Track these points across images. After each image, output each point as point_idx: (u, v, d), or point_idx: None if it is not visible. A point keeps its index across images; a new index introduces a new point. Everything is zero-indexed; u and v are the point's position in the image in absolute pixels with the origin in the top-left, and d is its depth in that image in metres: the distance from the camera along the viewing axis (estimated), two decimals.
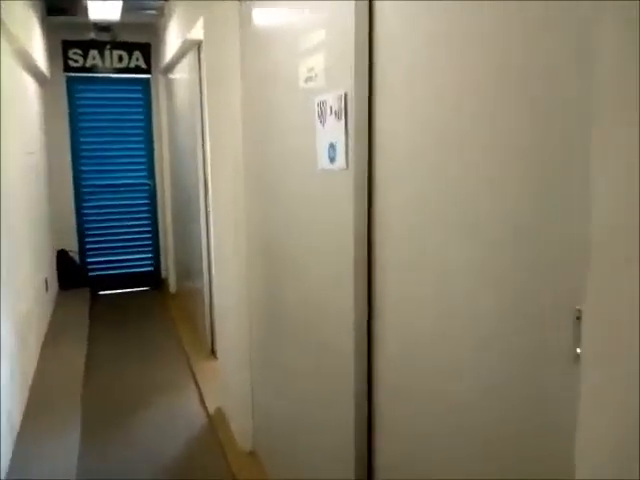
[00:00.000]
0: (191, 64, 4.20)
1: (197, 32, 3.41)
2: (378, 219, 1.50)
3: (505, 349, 1.07)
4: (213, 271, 3.80)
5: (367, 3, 1.46)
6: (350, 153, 1.52)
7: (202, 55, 3.84)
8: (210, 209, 3.62)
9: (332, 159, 1.63)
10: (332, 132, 1.62)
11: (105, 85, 5.87)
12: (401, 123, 1.37)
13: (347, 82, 1.51)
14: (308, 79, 1.78)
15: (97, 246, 6.10)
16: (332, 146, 1.62)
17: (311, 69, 1.75)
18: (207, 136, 3.44)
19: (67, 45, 5.65)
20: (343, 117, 1.53)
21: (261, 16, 2.29)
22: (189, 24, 3.67)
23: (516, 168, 1.01)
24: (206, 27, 3.09)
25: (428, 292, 1.30)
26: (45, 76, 5.21)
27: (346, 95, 1.52)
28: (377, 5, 1.43)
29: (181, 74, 4.80)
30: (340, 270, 1.64)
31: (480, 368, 1.14)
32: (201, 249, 4.25)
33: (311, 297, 1.93)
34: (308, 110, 1.79)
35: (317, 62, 1.70)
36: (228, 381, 3.07)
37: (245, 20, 2.50)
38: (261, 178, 2.41)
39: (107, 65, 5.79)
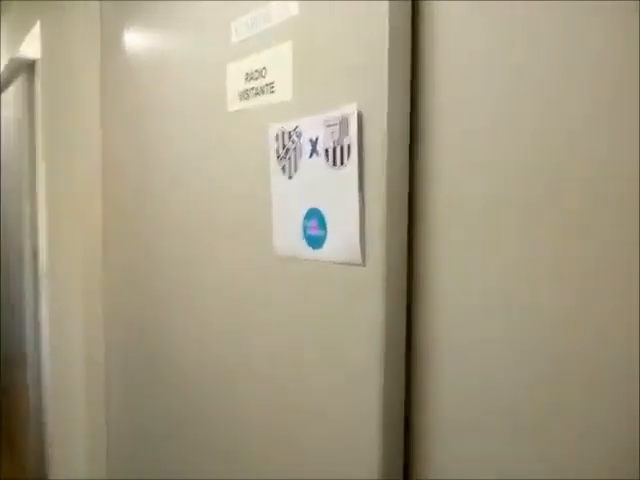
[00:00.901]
0: (19, 96, 3.16)
1: (30, 46, 2.44)
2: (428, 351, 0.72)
3: None
4: (44, 359, 2.72)
5: None
6: (370, 234, 0.73)
7: (37, 82, 2.85)
8: (42, 288, 2.59)
9: (315, 241, 0.83)
10: (316, 189, 0.82)
11: None
12: (477, 171, 0.63)
13: (362, 88, 0.73)
14: (248, 93, 0.98)
15: None
16: (315, 216, 0.83)
17: (257, 73, 0.95)
18: (40, 195, 2.45)
19: None
20: (354, 160, 0.75)
21: (144, 8, 1.46)
22: (18, 38, 2.69)
23: None
24: (44, 37, 2.17)
25: None
26: None
27: (360, 116, 0.74)
28: None
29: (4, 111, 3.70)
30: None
31: None
32: (25, 323, 3.13)
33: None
34: (248, 150, 0.98)
35: (275, 57, 0.90)
36: None
37: (109, 21, 1.65)
38: (143, 263, 1.52)
39: None
